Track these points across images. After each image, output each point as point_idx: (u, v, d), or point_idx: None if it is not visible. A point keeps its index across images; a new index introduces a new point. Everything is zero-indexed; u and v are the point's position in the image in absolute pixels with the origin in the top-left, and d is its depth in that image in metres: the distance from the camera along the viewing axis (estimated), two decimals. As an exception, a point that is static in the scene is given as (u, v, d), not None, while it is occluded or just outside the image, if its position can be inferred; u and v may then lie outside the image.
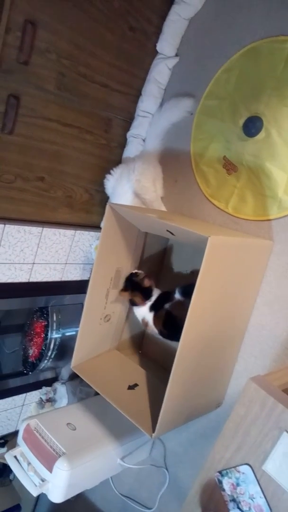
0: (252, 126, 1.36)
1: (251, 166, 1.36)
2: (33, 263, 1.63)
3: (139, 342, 1.72)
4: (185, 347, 1.10)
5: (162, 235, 1.43)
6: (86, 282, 1.42)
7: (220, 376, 1.38)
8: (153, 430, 1.16)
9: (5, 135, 1.34)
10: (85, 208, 1.71)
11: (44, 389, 1.92)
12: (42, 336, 1.86)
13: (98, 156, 1.65)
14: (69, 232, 1.68)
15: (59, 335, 1.86)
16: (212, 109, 1.49)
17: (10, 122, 1.33)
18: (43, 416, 1.47)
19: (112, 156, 1.70)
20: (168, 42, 1.61)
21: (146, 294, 1.40)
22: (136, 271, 1.47)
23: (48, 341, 1.83)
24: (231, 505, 0.90)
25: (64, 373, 1.95)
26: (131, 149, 1.69)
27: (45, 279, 1.70)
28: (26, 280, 1.64)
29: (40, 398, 1.93)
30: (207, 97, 1.51)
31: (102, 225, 1.36)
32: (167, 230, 1.26)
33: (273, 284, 1.32)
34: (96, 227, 1.77)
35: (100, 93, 1.54)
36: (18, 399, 1.88)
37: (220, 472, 0.92)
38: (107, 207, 1.32)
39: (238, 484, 0.89)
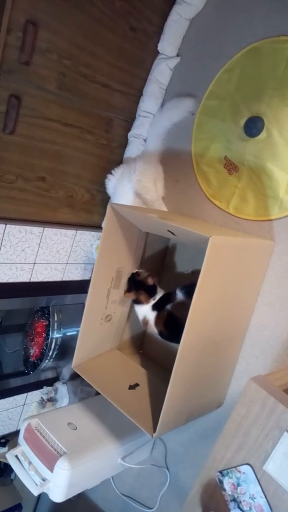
0: (253, 126, 1.35)
1: (252, 166, 1.36)
2: (34, 263, 1.63)
3: (140, 342, 1.72)
4: (186, 347, 1.11)
5: (163, 235, 1.43)
6: (87, 282, 1.42)
7: (221, 376, 1.38)
8: (154, 430, 1.16)
9: (6, 135, 1.35)
10: (86, 208, 1.71)
11: (45, 388, 1.92)
12: (43, 335, 1.86)
13: (99, 156, 1.65)
14: (70, 232, 1.69)
15: (60, 335, 1.86)
16: (213, 109, 1.49)
17: (11, 122, 1.33)
18: (44, 416, 1.48)
19: (113, 156, 1.70)
20: (169, 42, 1.61)
21: (151, 292, 1.40)
22: (137, 270, 1.47)
23: (49, 340, 1.83)
24: (231, 505, 0.90)
25: (65, 372, 1.95)
26: (132, 149, 1.69)
27: (46, 279, 1.70)
28: (27, 280, 1.64)
29: (41, 397, 1.93)
30: (208, 97, 1.51)
31: (103, 225, 1.36)
32: (168, 230, 1.26)
33: (274, 284, 1.32)
34: (97, 227, 1.77)
35: (101, 93, 1.55)
36: (19, 398, 1.88)
37: (221, 472, 0.92)
38: (108, 207, 1.32)
39: (238, 484, 0.89)
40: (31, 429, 1.40)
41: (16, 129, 1.36)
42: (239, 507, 0.88)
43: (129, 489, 1.73)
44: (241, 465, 0.88)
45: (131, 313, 1.60)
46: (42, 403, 1.91)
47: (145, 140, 1.69)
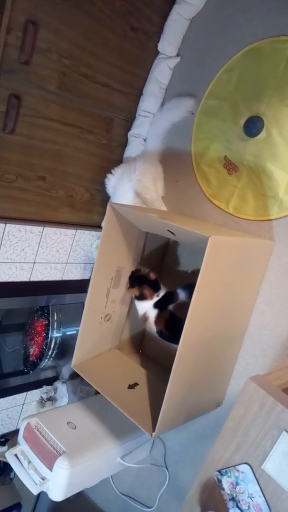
0: (253, 126, 1.36)
1: (252, 166, 1.36)
2: (34, 262, 1.63)
3: (140, 342, 1.72)
4: (185, 346, 1.11)
5: (162, 235, 1.44)
6: (87, 282, 1.42)
7: (220, 376, 1.38)
8: (153, 429, 1.17)
9: (6, 134, 1.35)
10: (86, 208, 1.72)
11: (45, 388, 1.92)
12: (43, 335, 1.87)
13: (99, 156, 1.65)
14: (70, 232, 1.69)
15: (60, 334, 1.86)
16: (213, 109, 1.49)
17: (11, 121, 1.33)
18: (44, 415, 1.48)
19: (113, 156, 1.71)
20: (169, 42, 1.61)
21: (154, 287, 1.39)
22: (137, 268, 1.47)
23: (48, 340, 1.84)
24: (230, 504, 0.90)
25: (65, 372, 1.96)
26: (132, 149, 1.69)
27: (46, 278, 1.70)
28: (27, 279, 1.64)
29: (41, 397, 1.93)
30: (208, 97, 1.51)
31: (103, 224, 1.37)
32: (168, 230, 1.26)
33: (273, 284, 1.32)
34: (97, 226, 1.77)
35: (101, 93, 1.55)
36: (19, 397, 1.89)
37: (219, 471, 0.92)
38: (108, 207, 1.32)
39: (237, 483, 0.89)
40: (31, 428, 1.41)
41: (16, 129, 1.36)
42: (237, 506, 0.89)
43: (128, 488, 1.74)
44: (239, 464, 0.89)
45: (131, 312, 1.60)
46: (42, 402, 1.92)
47: (145, 140, 1.69)
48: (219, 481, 0.92)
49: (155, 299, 1.39)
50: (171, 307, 1.36)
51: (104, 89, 1.55)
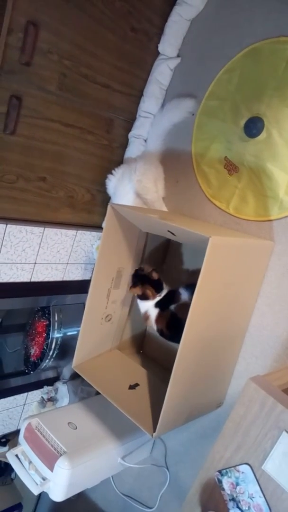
0: (253, 127, 1.36)
1: (252, 166, 1.36)
2: (35, 263, 1.63)
3: (140, 342, 1.73)
4: (186, 347, 1.11)
5: (163, 235, 1.44)
6: (88, 282, 1.42)
7: (221, 376, 1.39)
8: (154, 430, 1.17)
9: (7, 135, 1.35)
10: (87, 208, 1.72)
11: (46, 388, 1.93)
12: (43, 335, 1.87)
13: (99, 157, 1.65)
14: (70, 232, 1.69)
15: (61, 335, 1.86)
16: (214, 109, 1.50)
17: (12, 122, 1.34)
18: (45, 415, 1.48)
19: (114, 157, 1.71)
20: (169, 43, 1.61)
21: (157, 286, 1.39)
22: (140, 266, 1.47)
23: (49, 340, 1.84)
24: (230, 504, 0.90)
25: (66, 372, 1.96)
26: (133, 150, 1.70)
27: (46, 279, 1.71)
28: (28, 280, 1.65)
29: (42, 397, 1.94)
30: (208, 97, 1.52)
31: (103, 225, 1.37)
32: (168, 231, 1.26)
33: (274, 284, 1.32)
34: (98, 227, 1.78)
35: (102, 94, 1.55)
36: (19, 398, 1.89)
37: (220, 471, 0.92)
38: (109, 208, 1.32)
39: (237, 484, 0.89)
40: (32, 428, 1.41)
41: (16, 130, 1.37)
42: (238, 507, 0.89)
43: (129, 488, 1.74)
44: (240, 464, 0.89)
45: (131, 313, 1.60)
46: (43, 402, 1.92)
47: (145, 141, 1.69)
48: (220, 481, 0.92)
49: (157, 298, 1.39)
50: (172, 307, 1.36)
51: (104, 89, 1.55)
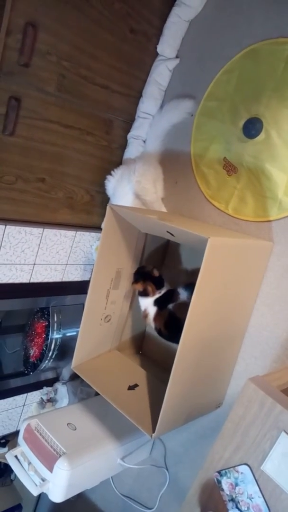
0: (252, 128, 1.36)
1: (251, 167, 1.37)
2: (34, 264, 1.63)
3: (140, 343, 1.73)
4: (185, 347, 1.11)
5: (162, 236, 1.44)
6: (87, 283, 1.42)
7: (220, 377, 1.39)
8: (153, 430, 1.17)
9: (6, 136, 1.35)
10: (86, 209, 1.72)
11: (45, 389, 1.93)
12: (43, 336, 1.87)
13: (98, 157, 1.66)
14: (69, 233, 1.69)
15: (60, 336, 1.86)
16: (212, 110, 1.50)
17: (11, 123, 1.34)
18: (44, 416, 1.48)
19: (113, 157, 1.71)
20: (168, 44, 1.61)
21: (158, 284, 1.41)
22: (144, 265, 1.48)
23: (49, 341, 1.84)
24: (230, 505, 0.90)
25: (65, 373, 1.96)
26: (132, 150, 1.70)
27: (46, 280, 1.71)
28: (27, 281, 1.65)
29: (41, 398, 1.94)
30: (207, 98, 1.52)
31: (102, 226, 1.37)
32: (167, 231, 1.26)
33: (273, 285, 1.33)
34: (97, 228, 1.78)
35: (101, 95, 1.55)
36: (19, 399, 1.89)
37: (219, 472, 0.92)
38: (108, 208, 1.32)
39: (236, 484, 0.89)
40: (31, 429, 1.41)
41: (15, 131, 1.37)
42: (237, 507, 0.89)
43: (129, 489, 1.74)
44: (239, 465, 0.89)
45: (131, 313, 1.60)
46: (42, 403, 1.92)
47: (144, 141, 1.69)
48: (219, 482, 0.92)
49: (157, 296, 1.40)
50: (171, 306, 1.37)
51: (103, 91, 1.55)
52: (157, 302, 1.40)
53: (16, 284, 1.61)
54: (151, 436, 1.16)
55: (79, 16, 1.38)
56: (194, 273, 1.49)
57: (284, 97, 1.29)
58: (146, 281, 1.41)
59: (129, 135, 1.70)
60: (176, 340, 1.10)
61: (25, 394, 1.90)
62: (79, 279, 1.83)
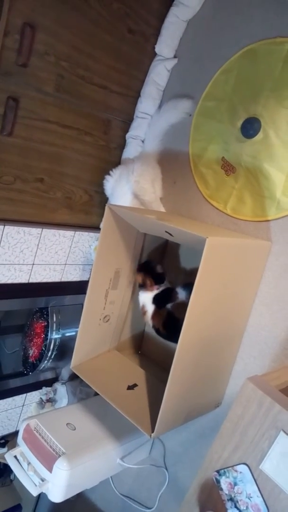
0: (250, 128, 1.36)
1: (249, 167, 1.37)
2: (33, 264, 1.63)
3: (139, 343, 1.73)
4: (184, 347, 1.11)
5: (161, 236, 1.44)
6: (86, 283, 1.43)
7: (219, 376, 1.39)
8: (152, 430, 1.17)
9: (4, 137, 1.35)
10: (85, 209, 1.72)
11: (44, 389, 1.93)
12: (42, 336, 1.87)
13: (97, 157, 1.66)
14: (68, 233, 1.69)
15: (59, 336, 1.86)
16: (211, 110, 1.50)
17: (9, 124, 1.34)
18: (43, 416, 1.48)
19: (111, 157, 1.71)
20: (166, 44, 1.61)
21: (158, 280, 1.43)
22: (151, 260, 1.51)
23: (48, 341, 1.84)
24: (228, 504, 0.90)
25: (64, 373, 1.96)
26: (130, 150, 1.70)
27: (44, 280, 1.71)
28: (26, 281, 1.65)
29: (40, 398, 1.94)
30: (205, 98, 1.52)
31: (101, 226, 1.37)
32: (166, 231, 1.26)
33: (271, 285, 1.33)
34: (96, 228, 1.78)
35: (99, 95, 1.55)
36: (18, 399, 1.89)
37: (218, 471, 0.93)
38: (106, 208, 1.32)
39: (235, 484, 0.89)
40: (30, 429, 1.41)
41: (14, 131, 1.37)
42: (236, 507, 0.89)
43: (128, 489, 1.74)
44: (237, 464, 0.89)
45: (129, 313, 1.60)
46: (41, 403, 1.92)
47: (143, 141, 1.69)
48: (218, 481, 0.92)
49: (155, 291, 1.40)
50: (169, 306, 1.37)
51: (101, 91, 1.55)
52: (155, 300, 1.40)
53: (15, 284, 1.61)
54: (150, 435, 1.17)
55: (77, 16, 1.37)
56: (193, 272, 1.49)
57: (282, 97, 1.29)
58: (147, 275, 1.43)
59: (127, 135, 1.70)
60: (174, 340, 1.10)
61: (24, 394, 1.90)
62: (78, 279, 1.83)
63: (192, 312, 1.08)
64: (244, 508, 0.87)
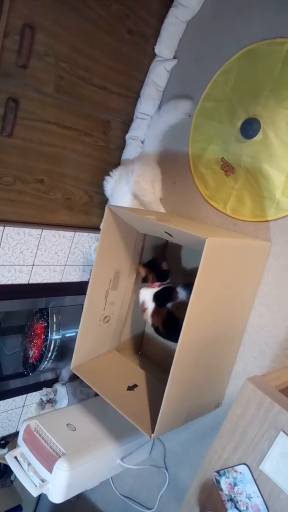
0: (250, 128, 1.36)
1: (249, 167, 1.37)
2: (33, 265, 1.63)
3: (139, 343, 1.73)
4: (184, 347, 1.11)
5: (160, 236, 1.44)
6: (86, 284, 1.43)
7: (219, 377, 1.39)
8: (153, 431, 1.17)
9: (4, 138, 1.35)
10: (85, 210, 1.72)
11: (45, 390, 1.93)
12: (42, 337, 1.87)
13: (97, 158, 1.66)
14: (68, 234, 1.69)
15: (59, 336, 1.86)
16: (210, 111, 1.50)
17: (9, 125, 1.34)
18: (43, 417, 1.48)
19: (111, 158, 1.71)
20: (166, 45, 1.62)
21: (160, 276, 1.42)
22: (158, 257, 1.51)
23: (48, 342, 1.84)
24: (228, 504, 0.90)
25: (64, 374, 1.96)
26: (130, 151, 1.70)
27: (45, 281, 1.71)
28: (26, 282, 1.65)
29: (41, 399, 1.94)
30: (205, 99, 1.52)
31: (101, 226, 1.37)
32: (166, 232, 1.27)
33: (271, 285, 1.33)
34: (96, 228, 1.78)
35: (99, 96, 1.55)
36: (18, 400, 1.89)
37: (217, 472, 0.93)
38: (106, 209, 1.33)
39: (235, 484, 0.89)
40: (30, 430, 1.41)
41: (14, 132, 1.37)
42: (236, 507, 0.89)
43: (128, 489, 1.74)
44: (237, 465, 0.89)
45: (129, 314, 1.60)
46: (42, 404, 1.92)
47: (142, 142, 1.70)
48: (218, 481, 0.92)
49: (156, 289, 1.40)
50: (170, 305, 1.37)
51: (101, 91, 1.55)
52: (156, 297, 1.40)
53: (15, 285, 1.61)
54: (150, 436, 1.17)
55: (76, 17, 1.38)
56: (193, 273, 1.49)
57: (281, 97, 1.29)
58: (151, 270, 1.43)
59: (127, 136, 1.71)
60: (173, 339, 1.10)
61: (25, 395, 1.90)
62: (78, 280, 1.83)
63: (192, 313, 1.08)
64: (244, 508, 0.87)
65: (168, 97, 1.65)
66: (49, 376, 1.97)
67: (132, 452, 1.55)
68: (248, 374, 1.33)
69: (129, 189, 1.54)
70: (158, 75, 1.64)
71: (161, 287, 1.42)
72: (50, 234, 1.63)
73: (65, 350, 1.89)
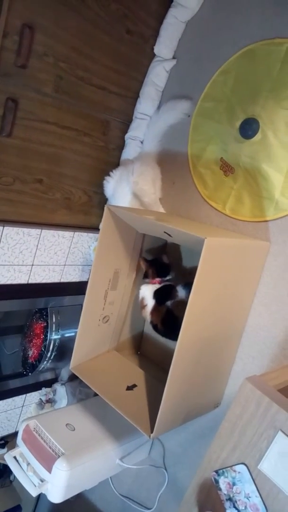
0: (249, 128, 1.36)
1: (248, 167, 1.37)
2: (32, 265, 1.64)
3: (138, 343, 1.73)
4: (183, 347, 1.11)
5: (160, 236, 1.44)
6: (85, 284, 1.43)
7: (218, 377, 1.39)
8: (152, 431, 1.17)
9: (3, 138, 1.36)
10: (84, 210, 1.72)
11: (44, 390, 1.93)
12: (41, 337, 1.87)
13: (96, 158, 1.66)
14: (67, 234, 1.69)
15: (59, 336, 1.86)
16: (209, 111, 1.50)
17: (8, 125, 1.34)
18: (43, 417, 1.48)
19: (110, 158, 1.71)
20: (165, 45, 1.62)
21: (161, 271, 1.43)
22: (161, 256, 1.52)
23: (47, 342, 1.84)
24: (227, 504, 0.90)
25: (64, 374, 1.96)
26: (129, 151, 1.70)
27: (44, 281, 1.71)
28: (25, 282, 1.65)
29: (40, 399, 1.94)
30: (204, 99, 1.52)
31: (100, 226, 1.37)
32: (165, 232, 1.27)
33: (270, 285, 1.33)
34: (95, 228, 1.78)
35: (98, 96, 1.55)
36: (18, 400, 1.89)
37: (216, 471, 0.93)
38: (105, 209, 1.33)
39: (234, 484, 0.89)
40: (30, 430, 1.41)
41: (13, 132, 1.37)
42: (234, 507, 0.89)
43: (128, 489, 1.74)
44: (236, 464, 0.89)
45: (129, 314, 1.60)
46: (41, 404, 1.92)
47: (142, 142, 1.70)
48: (216, 481, 0.93)
49: (157, 285, 1.40)
50: (169, 303, 1.37)
51: (100, 91, 1.55)
52: (155, 295, 1.40)
53: (14, 285, 1.61)
54: (150, 436, 1.17)
55: (75, 17, 1.38)
56: (192, 273, 1.49)
57: (280, 98, 1.29)
58: (152, 266, 1.43)
59: (126, 136, 1.71)
60: (172, 337, 1.10)
61: (24, 395, 1.91)
62: (77, 280, 1.83)
63: (191, 312, 1.08)
64: (243, 508, 0.88)
65: (167, 97, 1.65)
66: (48, 376, 1.97)
67: (131, 452, 1.55)
68: (247, 374, 1.33)
69: (130, 189, 1.54)
70: (157, 75, 1.64)
71: (162, 284, 1.41)
72: (49, 234, 1.63)
73: (64, 350, 1.89)
